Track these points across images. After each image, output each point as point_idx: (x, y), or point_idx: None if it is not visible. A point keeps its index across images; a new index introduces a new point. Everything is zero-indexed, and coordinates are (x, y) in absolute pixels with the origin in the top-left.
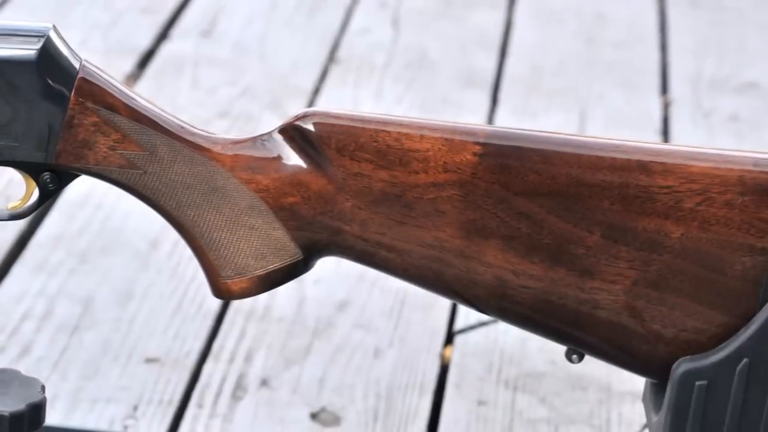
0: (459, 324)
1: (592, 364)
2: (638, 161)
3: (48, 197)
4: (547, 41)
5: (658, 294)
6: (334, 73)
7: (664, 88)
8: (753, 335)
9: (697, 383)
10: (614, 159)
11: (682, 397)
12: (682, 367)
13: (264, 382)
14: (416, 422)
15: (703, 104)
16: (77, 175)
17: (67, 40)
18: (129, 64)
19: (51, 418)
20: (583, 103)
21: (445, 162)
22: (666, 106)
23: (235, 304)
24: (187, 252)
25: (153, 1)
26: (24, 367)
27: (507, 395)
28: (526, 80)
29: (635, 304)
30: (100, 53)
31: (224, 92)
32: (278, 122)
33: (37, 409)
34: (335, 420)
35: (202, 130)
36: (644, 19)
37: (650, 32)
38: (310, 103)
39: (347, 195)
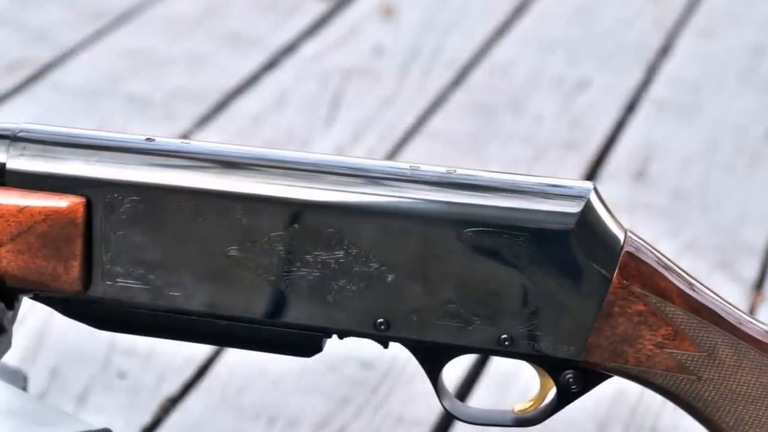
0: None
1: None
2: None
3: (568, 402)
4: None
5: None
6: None
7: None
8: None
9: None
10: None
11: None
12: None
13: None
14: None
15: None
16: (607, 377)
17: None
18: None
19: None
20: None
21: None
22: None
23: None
24: None
25: (576, 136)
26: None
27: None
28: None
29: None
30: None
31: (664, 246)
32: (729, 283)
33: None
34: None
35: None
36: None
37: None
38: (766, 263)
39: None
